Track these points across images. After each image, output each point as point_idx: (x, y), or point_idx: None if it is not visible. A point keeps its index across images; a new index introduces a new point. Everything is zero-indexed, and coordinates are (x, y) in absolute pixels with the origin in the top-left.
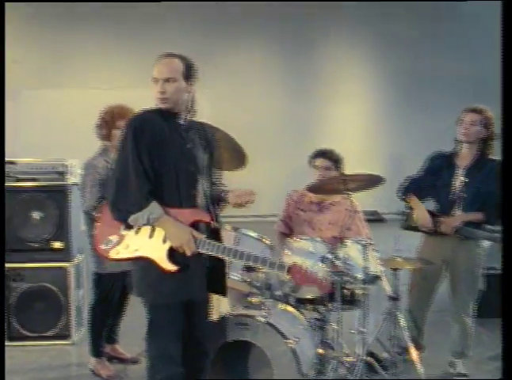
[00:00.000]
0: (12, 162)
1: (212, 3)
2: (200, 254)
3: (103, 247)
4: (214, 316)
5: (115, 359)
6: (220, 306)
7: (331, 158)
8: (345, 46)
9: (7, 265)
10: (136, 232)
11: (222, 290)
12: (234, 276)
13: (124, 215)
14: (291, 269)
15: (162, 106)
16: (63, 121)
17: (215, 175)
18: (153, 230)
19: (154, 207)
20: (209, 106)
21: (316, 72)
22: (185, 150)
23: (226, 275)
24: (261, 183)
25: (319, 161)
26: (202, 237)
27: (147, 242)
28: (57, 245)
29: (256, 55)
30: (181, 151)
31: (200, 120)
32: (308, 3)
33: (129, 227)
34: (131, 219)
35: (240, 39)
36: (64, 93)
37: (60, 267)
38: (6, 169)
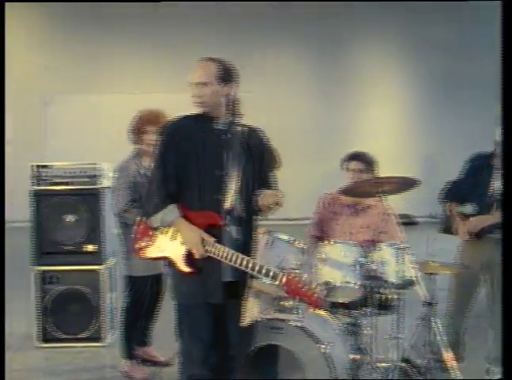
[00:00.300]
0: (45, 166)
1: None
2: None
3: (138, 246)
4: (245, 320)
5: (148, 361)
6: (252, 310)
7: (365, 161)
8: (377, 48)
9: (42, 268)
10: (164, 234)
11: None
12: (267, 280)
13: (147, 216)
14: (286, 280)
15: (199, 110)
16: (96, 125)
17: (262, 178)
18: (175, 232)
19: (169, 211)
20: (244, 109)
21: (348, 74)
22: (214, 155)
23: (245, 281)
24: (292, 186)
25: (353, 164)
26: (211, 240)
27: (170, 243)
28: (90, 248)
29: (288, 58)
30: (210, 156)
31: (248, 124)
32: (339, 4)
33: (155, 228)
34: (151, 220)
35: (272, 42)
36: (96, 98)
37: (93, 270)
38: (40, 173)
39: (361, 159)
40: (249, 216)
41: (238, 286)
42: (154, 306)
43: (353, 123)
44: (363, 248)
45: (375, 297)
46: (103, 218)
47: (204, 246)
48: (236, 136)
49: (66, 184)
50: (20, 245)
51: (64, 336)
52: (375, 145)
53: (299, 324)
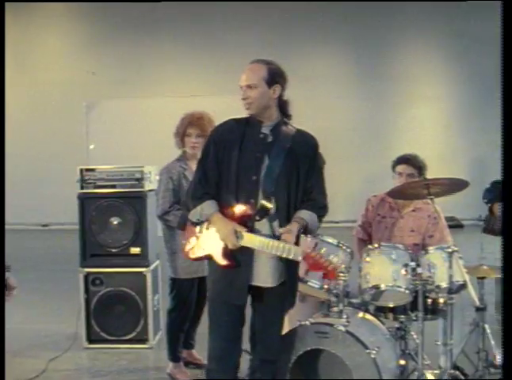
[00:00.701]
0: (91, 169)
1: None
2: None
3: (186, 249)
4: (288, 325)
5: (192, 364)
6: (297, 315)
7: (415, 165)
8: (422, 47)
9: (88, 270)
10: (204, 232)
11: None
12: (313, 283)
13: (188, 210)
14: (305, 255)
15: (247, 112)
16: (141, 129)
17: (304, 184)
18: (213, 228)
19: (207, 205)
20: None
21: (392, 75)
22: (252, 159)
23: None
24: (335, 187)
25: (402, 168)
26: (243, 230)
27: (210, 241)
28: (135, 250)
29: (332, 59)
30: (249, 159)
31: (298, 127)
32: (380, 3)
33: (195, 224)
34: (190, 215)
35: (316, 43)
36: (139, 102)
37: (138, 273)
38: (86, 176)
39: (411, 163)
40: (285, 220)
41: (268, 292)
42: (199, 308)
43: (397, 124)
44: (411, 252)
45: (424, 301)
46: (147, 220)
47: (237, 238)
48: (279, 139)
49: (112, 187)
50: (69, 246)
51: (109, 338)
52: (420, 146)
53: (346, 328)
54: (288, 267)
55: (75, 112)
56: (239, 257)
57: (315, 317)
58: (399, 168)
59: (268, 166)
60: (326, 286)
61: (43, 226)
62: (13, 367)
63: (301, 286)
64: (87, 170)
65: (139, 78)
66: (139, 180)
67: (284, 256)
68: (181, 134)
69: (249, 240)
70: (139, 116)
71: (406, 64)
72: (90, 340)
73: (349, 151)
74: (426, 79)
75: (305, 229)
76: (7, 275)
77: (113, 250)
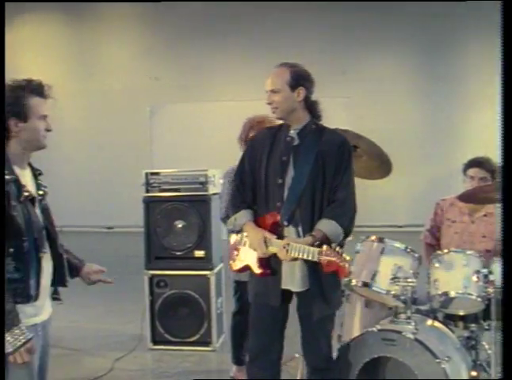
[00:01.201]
0: (156, 173)
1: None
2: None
3: (229, 261)
4: (354, 330)
5: None
6: (363, 321)
7: (488, 168)
8: (482, 47)
9: (152, 272)
10: (244, 244)
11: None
12: (378, 289)
13: (226, 219)
14: (319, 256)
15: (274, 117)
16: (205, 133)
17: (330, 186)
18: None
19: (241, 215)
20: (346, 114)
21: (456, 76)
22: (278, 163)
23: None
24: (399, 191)
25: (474, 171)
26: (273, 237)
27: (247, 251)
28: (199, 253)
29: (391, 61)
30: (276, 163)
31: (328, 128)
32: (442, 3)
33: (233, 232)
34: (227, 223)
35: (375, 46)
36: (202, 106)
37: (202, 275)
38: (151, 180)
39: (484, 166)
40: (308, 224)
41: (300, 296)
42: None
43: (463, 126)
44: (483, 258)
45: (497, 310)
46: (212, 224)
47: (267, 246)
48: (306, 141)
49: (176, 190)
50: (133, 249)
51: (173, 339)
52: (487, 148)
53: (414, 336)
54: (313, 271)
55: (139, 117)
56: (273, 264)
57: (382, 323)
58: (471, 171)
59: (294, 169)
60: (392, 292)
61: (108, 228)
62: (83, 365)
63: (366, 292)
64: (152, 174)
65: (203, 83)
66: (204, 184)
67: (304, 257)
68: (244, 139)
69: (277, 246)
70: (202, 120)
71: (469, 65)
72: (155, 342)
73: (413, 153)
74: (491, 80)
75: (325, 240)
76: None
77: (178, 253)
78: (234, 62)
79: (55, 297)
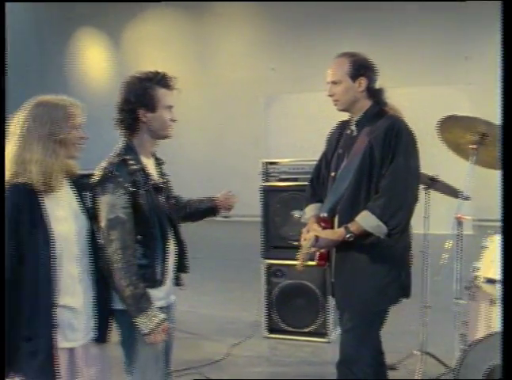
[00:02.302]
0: (274, 162)
1: None
2: None
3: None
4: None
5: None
6: (488, 320)
7: None
8: None
9: (269, 261)
10: None
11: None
12: None
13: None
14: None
15: (336, 109)
16: (320, 122)
17: (379, 172)
18: None
19: (309, 209)
20: (469, 101)
21: None
22: (335, 156)
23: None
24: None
25: None
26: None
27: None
28: None
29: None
30: (333, 157)
31: (390, 114)
32: None
33: None
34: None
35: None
36: (316, 96)
37: (319, 266)
38: (269, 169)
39: None
40: (346, 218)
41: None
42: None
43: None
44: None
45: None
46: None
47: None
48: (362, 132)
49: (294, 180)
50: (249, 238)
51: (289, 329)
52: None
53: None
54: (337, 266)
55: (255, 108)
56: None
57: None
58: None
59: (346, 162)
60: None
61: (225, 217)
62: (201, 349)
63: (492, 289)
64: (270, 163)
65: (317, 73)
66: None
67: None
68: None
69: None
70: (317, 110)
71: None
72: (270, 330)
73: None
74: None
75: (363, 233)
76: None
77: (295, 243)
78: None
79: (177, 282)
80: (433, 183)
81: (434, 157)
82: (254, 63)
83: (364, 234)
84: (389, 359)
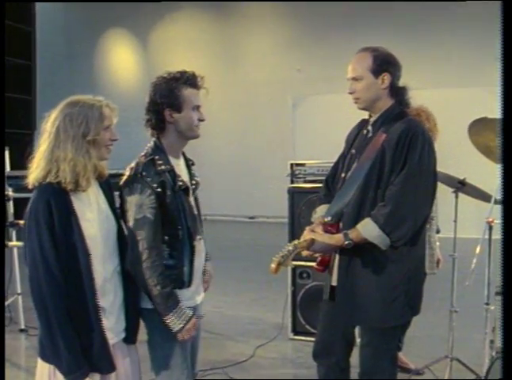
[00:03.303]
0: (301, 164)
1: None
2: None
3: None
4: None
5: (398, 367)
6: None
7: None
8: None
9: (295, 263)
10: None
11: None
12: None
13: None
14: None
15: (357, 107)
16: (347, 124)
17: (388, 180)
18: None
19: (319, 209)
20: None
21: None
22: (349, 156)
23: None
24: None
25: None
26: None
27: None
28: None
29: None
30: (347, 157)
31: (409, 116)
32: None
33: None
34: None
35: None
36: (346, 97)
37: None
38: (296, 171)
39: None
40: (351, 225)
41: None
42: None
43: None
44: None
45: None
46: None
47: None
48: (378, 135)
49: (320, 182)
50: (274, 239)
51: (314, 331)
52: None
53: None
54: (340, 275)
55: (282, 109)
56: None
57: None
58: None
59: (357, 164)
60: None
61: (250, 218)
62: (226, 350)
63: None
64: (297, 165)
65: (344, 74)
66: None
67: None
68: None
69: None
70: (344, 111)
71: None
72: (295, 332)
73: None
74: None
75: (363, 241)
76: (207, 264)
77: None
78: None
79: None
80: (462, 186)
81: (464, 159)
82: (280, 64)
83: (365, 243)
84: (415, 363)
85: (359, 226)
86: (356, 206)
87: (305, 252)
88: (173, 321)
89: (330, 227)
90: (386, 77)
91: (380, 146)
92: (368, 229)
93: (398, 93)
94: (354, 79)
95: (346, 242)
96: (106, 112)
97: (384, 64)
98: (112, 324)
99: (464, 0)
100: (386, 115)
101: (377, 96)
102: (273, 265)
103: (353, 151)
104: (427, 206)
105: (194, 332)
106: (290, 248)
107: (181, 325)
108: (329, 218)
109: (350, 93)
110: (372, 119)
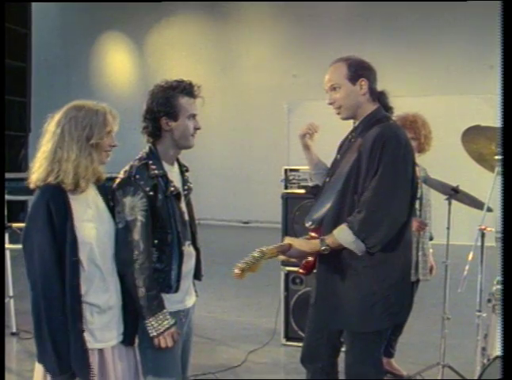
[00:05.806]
0: (295, 170)
1: None
2: None
3: None
4: None
5: (389, 373)
6: None
7: None
8: None
9: (288, 268)
10: None
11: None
12: None
13: None
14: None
15: (339, 117)
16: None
17: (363, 186)
18: None
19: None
20: (494, 111)
21: None
22: (334, 162)
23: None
24: None
25: None
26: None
27: None
28: None
29: None
30: (332, 163)
31: (386, 122)
32: None
33: None
34: None
35: None
36: None
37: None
38: (290, 176)
39: None
40: (332, 227)
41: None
42: None
43: None
44: None
45: None
46: None
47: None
48: (358, 141)
49: None
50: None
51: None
52: None
53: None
54: (319, 279)
55: (277, 114)
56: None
57: None
58: None
59: (338, 170)
60: None
61: (244, 223)
62: (218, 355)
63: None
64: (291, 170)
65: None
66: None
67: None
68: None
69: None
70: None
71: None
72: (288, 337)
73: None
74: None
75: (339, 247)
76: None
77: None
78: (386, 59)
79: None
80: (455, 193)
81: (457, 167)
82: (276, 69)
83: (342, 249)
84: (407, 370)
85: (335, 232)
86: (335, 211)
87: (281, 257)
88: (152, 326)
89: (314, 232)
90: (364, 83)
91: (356, 151)
92: (343, 235)
93: (379, 97)
94: (333, 88)
95: (323, 248)
96: (109, 118)
97: (360, 70)
98: (112, 325)
99: (463, 0)
100: (367, 120)
101: (358, 103)
102: (237, 271)
103: (338, 157)
104: (403, 211)
105: (171, 342)
106: (255, 255)
107: (159, 332)
108: (309, 223)
109: (330, 104)
110: (354, 125)
